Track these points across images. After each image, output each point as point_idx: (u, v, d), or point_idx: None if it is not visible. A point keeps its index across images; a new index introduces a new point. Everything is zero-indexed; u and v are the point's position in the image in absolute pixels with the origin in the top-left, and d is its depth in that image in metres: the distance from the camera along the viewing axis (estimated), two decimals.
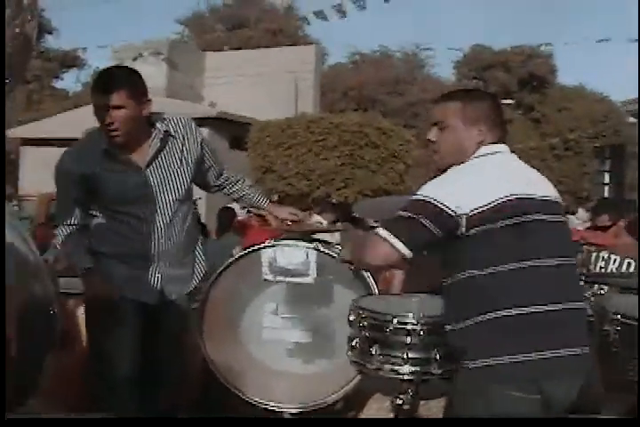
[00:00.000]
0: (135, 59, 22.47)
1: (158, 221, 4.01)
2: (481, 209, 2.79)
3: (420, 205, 2.85)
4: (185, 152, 4.09)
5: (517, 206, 2.84)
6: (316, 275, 4.53)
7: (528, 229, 2.83)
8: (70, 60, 43.25)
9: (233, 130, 22.49)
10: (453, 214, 2.79)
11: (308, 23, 17.61)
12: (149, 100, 3.91)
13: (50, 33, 47.37)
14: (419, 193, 2.89)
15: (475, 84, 47.08)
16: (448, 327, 3.00)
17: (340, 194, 18.50)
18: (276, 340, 4.70)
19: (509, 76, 45.38)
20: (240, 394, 4.66)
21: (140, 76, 3.94)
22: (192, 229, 4.28)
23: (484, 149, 3.03)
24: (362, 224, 7.89)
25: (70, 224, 4.01)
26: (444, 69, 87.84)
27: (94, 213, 4.05)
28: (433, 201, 2.81)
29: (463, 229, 2.81)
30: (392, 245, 2.83)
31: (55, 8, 75.35)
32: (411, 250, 2.84)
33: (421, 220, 2.81)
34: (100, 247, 4.04)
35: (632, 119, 26.63)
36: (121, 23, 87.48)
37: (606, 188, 19.32)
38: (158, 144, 3.98)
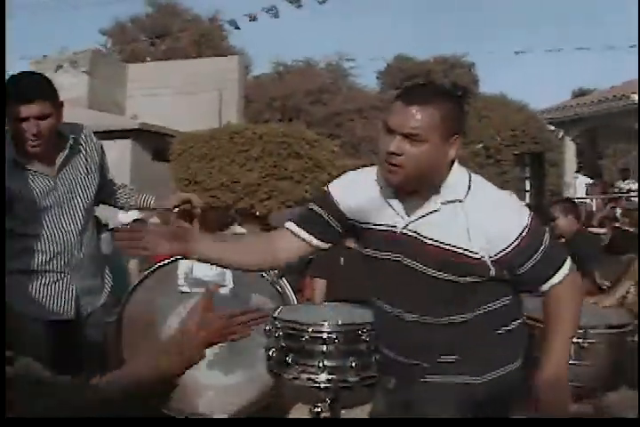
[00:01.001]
0: (56, 70, 22.16)
1: (71, 230, 3.90)
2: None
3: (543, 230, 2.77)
4: (89, 160, 4.02)
5: None
6: (232, 285, 4.53)
7: None
8: None
9: (155, 142, 22.34)
10: None
11: (237, 27, 17.44)
12: (62, 108, 3.80)
13: None
14: (524, 218, 2.68)
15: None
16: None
17: (264, 205, 18.45)
18: None
19: None
20: (162, 407, 4.62)
21: (52, 84, 3.80)
22: (96, 238, 4.21)
23: (458, 166, 2.77)
24: None
25: None
26: (367, 79, 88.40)
27: (7, 228, 3.88)
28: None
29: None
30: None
31: None
32: None
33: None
34: (13, 265, 3.84)
35: (551, 127, 27.07)
36: (41, 34, 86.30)
37: (527, 194, 19.57)
38: (67, 152, 3.90)
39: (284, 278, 4.82)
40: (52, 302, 3.93)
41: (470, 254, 2.65)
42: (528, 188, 19.62)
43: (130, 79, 27.81)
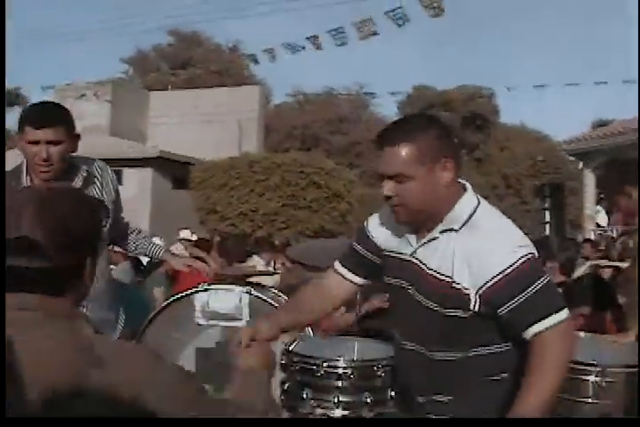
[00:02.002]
0: (79, 97, 22.37)
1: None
2: None
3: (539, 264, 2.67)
4: (103, 194, 4.03)
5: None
6: (248, 318, 4.52)
7: None
8: (13, 100, 42.89)
9: (176, 170, 22.45)
10: None
11: (256, 62, 17.57)
12: (78, 138, 3.80)
13: None
14: (515, 254, 2.57)
15: None
16: None
17: (282, 234, 18.49)
18: (212, 384, 4.67)
19: (452, 116, 46.01)
20: None
21: (69, 112, 3.83)
22: (108, 270, 4.21)
23: (470, 195, 2.76)
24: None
25: None
26: (387, 109, 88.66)
27: None
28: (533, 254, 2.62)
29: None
30: None
31: None
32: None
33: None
34: None
35: (571, 158, 27.01)
36: (65, 62, 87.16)
37: (547, 226, 19.49)
38: (80, 184, 3.91)
39: None
40: None
41: (457, 286, 2.62)
42: (548, 219, 19.54)
43: (151, 107, 27.99)
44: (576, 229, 23.71)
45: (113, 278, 4.33)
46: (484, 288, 2.58)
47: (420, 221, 2.72)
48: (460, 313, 2.66)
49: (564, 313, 2.59)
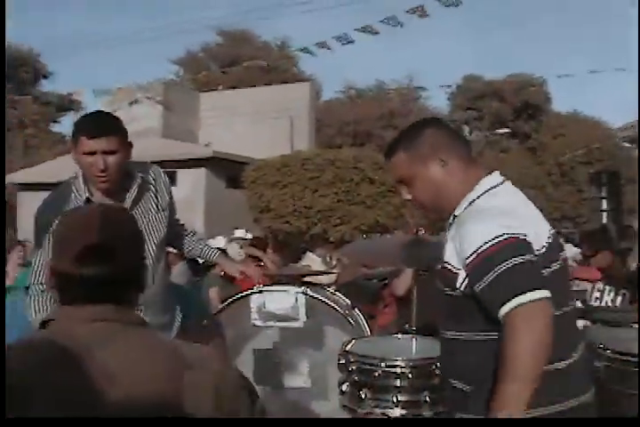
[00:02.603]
0: (131, 103, 22.57)
1: None
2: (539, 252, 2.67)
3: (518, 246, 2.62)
4: (159, 198, 4.06)
5: (558, 246, 2.78)
6: (305, 318, 4.53)
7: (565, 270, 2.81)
8: (67, 105, 43.49)
9: (229, 169, 22.55)
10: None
11: (309, 52, 17.48)
12: (131, 147, 3.85)
13: (46, 77, 47.83)
14: (492, 233, 2.59)
15: (469, 115, 47.39)
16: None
17: (338, 230, 18.49)
18: (271, 386, 4.68)
19: (504, 106, 45.64)
20: None
21: (122, 122, 3.88)
22: (168, 274, 4.24)
23: (487, 182, 2.83)
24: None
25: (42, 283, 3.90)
26: (438, 101, 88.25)
27: None
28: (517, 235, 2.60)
29: None
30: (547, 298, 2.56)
31: (50, 53, 76.07)
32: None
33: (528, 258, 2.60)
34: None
35: (627, 144, 26.66)
36: (117, 65, 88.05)
37: (604, 214, 19.22)
38: (136, 191, 3.94)
39: (356, 309, 4.81)
40: None
41: (449, 266, 2.72)
42: (605, 207, 19.28)
43: (202, 108, 28.14)
44: (633, 216, 23.34)
45: (170, 281, 4.36)
46: (466, 267, 2.62)
47: (442, 212, 2.90)
48: (453, 293, 2.72)
49: (536, 294, 2.50)
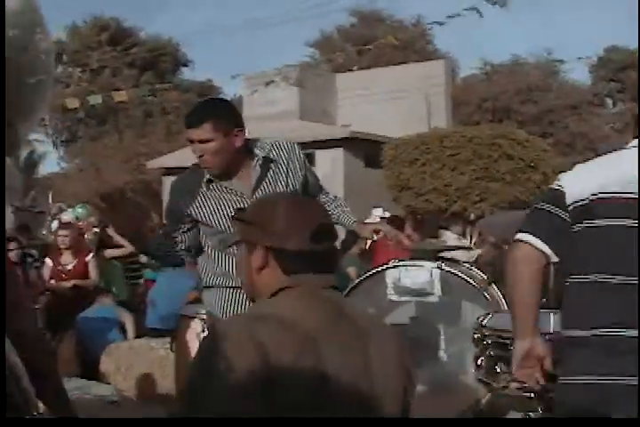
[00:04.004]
0: (267, 84, 22.83)
1: None
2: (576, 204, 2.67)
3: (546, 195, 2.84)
4: (290, 176, 4.10)
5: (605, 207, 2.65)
6: (440, 293, 4.53)
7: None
8: (206, 91, 44.38)
9: (367, 149, 22.59)
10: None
11: (441, 23, 17.22)
12: (240, 131, 3.93)
13: (185, 65, 48.96)
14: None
15: (612, 87, 46.00)
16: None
17: (477, 208, 18.29)
18: None
19: None
20: None
21: (227, 107, 4.02)
22: None
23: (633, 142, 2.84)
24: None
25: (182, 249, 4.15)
26: (578, 74, 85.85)
27: (205, 246, 4.15)
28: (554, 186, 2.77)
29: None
30: (528, 243, 2.71)
31: (188, 42, 77.63)
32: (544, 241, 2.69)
33: (546, 208, 2.72)
34: (216, 281, 4.10)
35: None
36: (253, 51, 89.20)
37: None
38: (259, 170, 4.00)
39: (493, 285, 4.78)
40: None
41: None
42: None
43: (338, 89, 28.23)
44: None
45: None
46: None
47: None
48: None
49: (523, 236, 2.76)
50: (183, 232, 4.12)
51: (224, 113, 3.95)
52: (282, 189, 4.05)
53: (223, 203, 4.00)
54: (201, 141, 3.86)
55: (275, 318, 1.99)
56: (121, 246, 10.35)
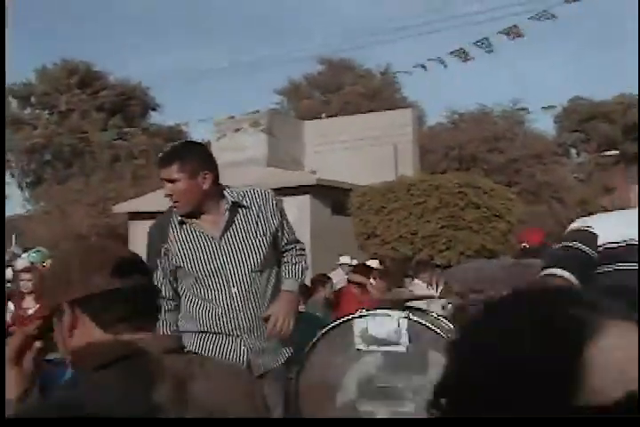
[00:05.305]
0: (236, 130, 22.91)
1: (234, 293, 4.02)
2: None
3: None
4: (261, 223, 4.12)
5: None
6: (408, 343, 4.52)
7: None
8: (175, 135, 44.53)
9: (334, 196, 22.65)
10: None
11: (407, 72, 17.46)
12: (207, 174, 3.98)
13: (154, 109, 49.15)
14: None
15: (576, 138, 46.65)
16: None
17: (443, 256, 18.36)
18: (373, 410, 4.68)
19: (612, 127, 44.81)
20: None
21: (196, 150, 4.09)
22: (269, 299, 4.18)
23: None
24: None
25: (167, 298, 4.12)
26: (543, 124, 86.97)
27: (179, 288, 4.15)
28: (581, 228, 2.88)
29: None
30: (562, 277, 2.75)
31: (158, 86, 78.01)
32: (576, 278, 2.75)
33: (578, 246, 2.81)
34: (185, 325, 4.12)
35: None
36: (221, 97, 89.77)
37: None
38: (227, 215, 4.04)
39: None
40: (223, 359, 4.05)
41: None
42: None
43: (306, 136, 28.37)
44: None
45: None
46: None
47: None
48: None
49: (553, 270, 2.81)
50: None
51: (192, 155, 4.01)
52: (251, 235, 4.08)
53: (194, 245, 4.04)
54: (169, 181, 3.97)
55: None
56: None
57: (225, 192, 4.09)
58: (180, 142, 4.33)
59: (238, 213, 4.09)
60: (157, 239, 4.10)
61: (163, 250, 4.06)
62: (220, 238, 4.04)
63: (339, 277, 11.68)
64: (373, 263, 11.88)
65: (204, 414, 1.71)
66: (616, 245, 2.73)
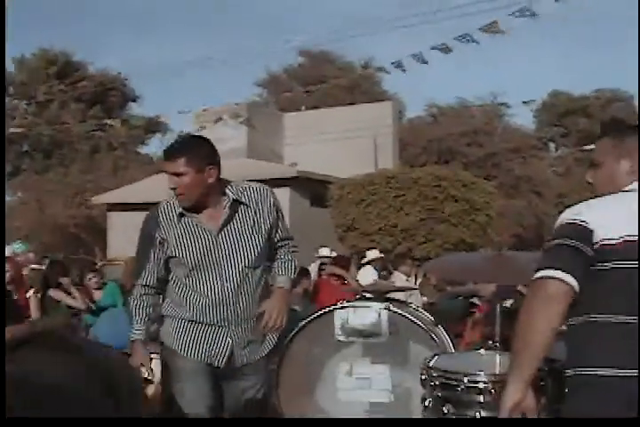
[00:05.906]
0: (216, 121, 22.86)
1: (226, 287, 4.09)
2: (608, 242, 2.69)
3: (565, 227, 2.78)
4: (258, 220, 4.19)
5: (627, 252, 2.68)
6: (388, 334, 4.55)
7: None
8: (154, 126, 44.33)
9: (313, 188, 22.66)
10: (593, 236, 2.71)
11: (386, 72, 17.56)
12: (212, 168, 4.05)
13: (134, 101, 48.90)
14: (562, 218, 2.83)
15: (555, 132, 46.82)
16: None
17: (423, 249, 18.43)
18: (352, 401, 4.71)
19: (591, 121, 44.98)
20: None
21: (203, 145, 4.14)
22: (265, 295, 4.26)
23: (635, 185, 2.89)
24: None
25: (146, 285, 4.16)
26: (522, 118, 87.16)
27: (170, 276, 4.20)
28: (576, 221, 2.73)
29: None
30: (560, 280, 2.63)
31: (137, 77, 77.62)
32: (574, 278, 2.64)
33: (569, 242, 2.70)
34: (173, 311, 4.18)
35: None
36: (202, 89, 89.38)
37: None
38: (227, 211, 4.11)
39: (440, 326, 4.81)
40: (204, 349, 4.14)
41: None
42: None
43: (286, 128, 28.37)
44: None
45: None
46: None
47: None
48: None
49: (549, 272, 2.66)
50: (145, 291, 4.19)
51: (198, 150, 4.08)
52: (248, 232, 4.15)
53: (192, 238, 4.10)
54: (175, 174, 4.01)
55: None
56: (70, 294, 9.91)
57: (227, 188, 4.16)
58: (186, 136, 4.40)
59: (238, 209, 4.16)
60: (153, 228, 4.14)
61: (158, 239, 4.11)
62: (218, 233, 4.11)
63: (317, 270, 11.66)
64: (373, 254, 11.90)
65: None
66: (614, 241, 2.70)
